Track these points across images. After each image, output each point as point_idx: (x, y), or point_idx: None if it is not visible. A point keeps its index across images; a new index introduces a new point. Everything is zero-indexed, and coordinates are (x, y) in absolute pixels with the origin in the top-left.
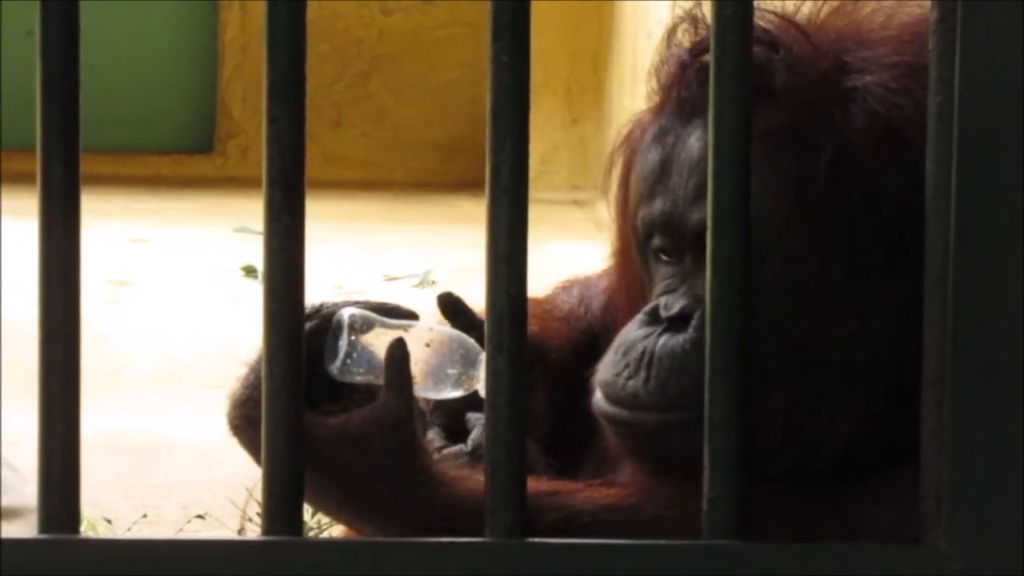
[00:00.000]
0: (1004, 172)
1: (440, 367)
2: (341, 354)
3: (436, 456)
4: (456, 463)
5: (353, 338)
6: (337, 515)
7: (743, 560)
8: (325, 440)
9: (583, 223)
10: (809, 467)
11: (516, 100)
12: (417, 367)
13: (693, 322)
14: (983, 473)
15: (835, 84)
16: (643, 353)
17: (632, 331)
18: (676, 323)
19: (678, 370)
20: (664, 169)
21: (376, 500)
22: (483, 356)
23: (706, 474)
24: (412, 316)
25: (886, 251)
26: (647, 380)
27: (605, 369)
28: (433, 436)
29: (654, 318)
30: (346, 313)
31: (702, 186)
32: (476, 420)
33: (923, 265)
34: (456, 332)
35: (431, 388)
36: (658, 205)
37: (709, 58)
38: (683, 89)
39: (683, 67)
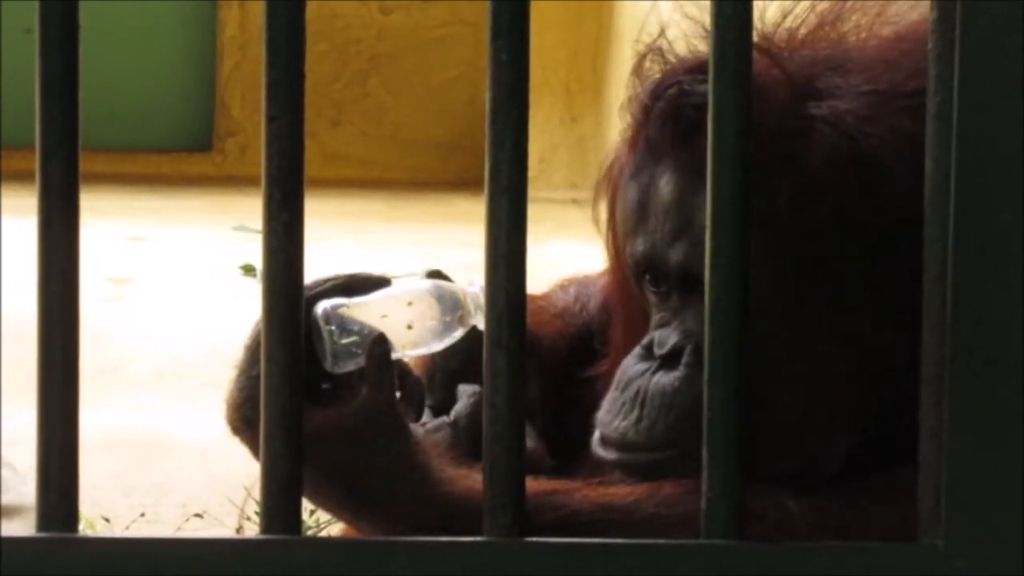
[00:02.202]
0: (1003, 171)
1: (431, 318)
2: (328, 352)
3: (423, 435)
4: (438, 436)
5: (333, 328)
6: (338, 513)
7: (741, 560)
8: (318, 435)
9: (582, 222)
10: (809, 472)
11: (515, 99)
12: (409, 329)
13: (684, 359)
14: (982, 473)
15: (799, 114)
16: (638, 392)
17: (630, 366)
18: (668, 361)
19: (667, 408)
20: (642, 210)
21: (372, 497)
22: (469, 291)
23: (704, 474)
24: (383, 283)
25: (863, 276)
26: (639, 419)
27: (605, 407)
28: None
29: (649, 353)
30: (319, 310)
31: (678, 229)
32: (464, 391)
33: (904, 283)
34: (432, 282)
35: (432, 341)
36: (639, 245)
37: (708, 58)
38: (649, 129)
39: (646, 111)
